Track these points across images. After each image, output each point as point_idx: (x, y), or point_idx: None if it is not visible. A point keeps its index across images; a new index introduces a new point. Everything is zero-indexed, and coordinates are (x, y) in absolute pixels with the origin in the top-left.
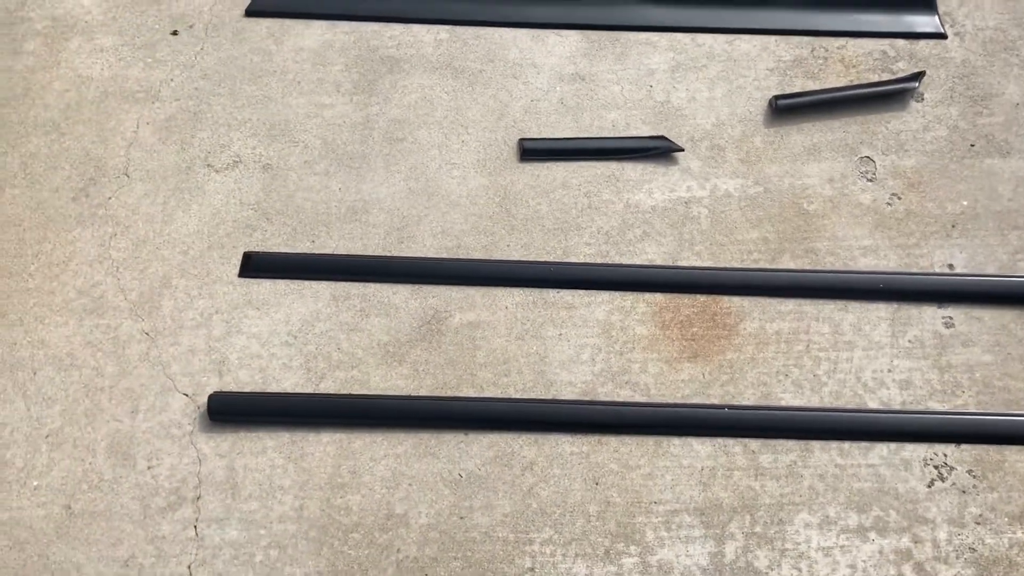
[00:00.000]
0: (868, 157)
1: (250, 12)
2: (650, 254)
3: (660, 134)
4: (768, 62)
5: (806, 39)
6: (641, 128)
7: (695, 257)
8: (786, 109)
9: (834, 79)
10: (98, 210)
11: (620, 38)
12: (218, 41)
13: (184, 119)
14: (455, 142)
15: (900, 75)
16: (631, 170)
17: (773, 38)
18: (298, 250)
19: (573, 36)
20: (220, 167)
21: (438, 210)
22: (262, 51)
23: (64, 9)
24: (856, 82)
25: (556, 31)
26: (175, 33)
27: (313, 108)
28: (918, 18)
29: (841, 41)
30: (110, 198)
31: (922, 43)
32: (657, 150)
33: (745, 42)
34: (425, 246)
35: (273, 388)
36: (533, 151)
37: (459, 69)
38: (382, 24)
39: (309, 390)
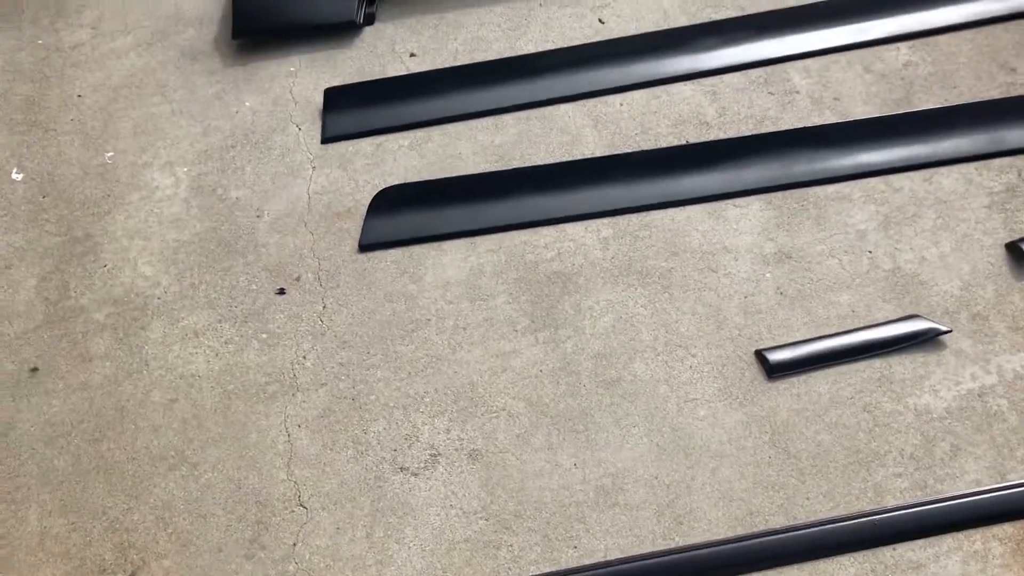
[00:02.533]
0: None
1: (364, 247)
2: (972, 473)
3: (912, 313)
4: (980, 197)
5: (1005, 161)
6: (882, 307)
7: (1022, 466)
8: None
9: None
10: (286, 566)
11: (807, 196)
12: (341, 293)
13: (344, 410)
14: (682, 370)
15: None
16: (899, 365)
17: (970, 166)
18: (561, 564)
19: (754, 204)
20: (417, 468)
21: (704, 468)
22: (401, 295)
23: (123, 286)
24: None
25: (731, 201)
26: (281, 292)
27: (495, 359)
28: None
29: None
30: (295, 544)
31: None
32: (922, 337)
33: (943, 176)
34: (711, 522)
35: None
36: (781, 366)
37: (643, 272)
38: (529, 231)
39: None
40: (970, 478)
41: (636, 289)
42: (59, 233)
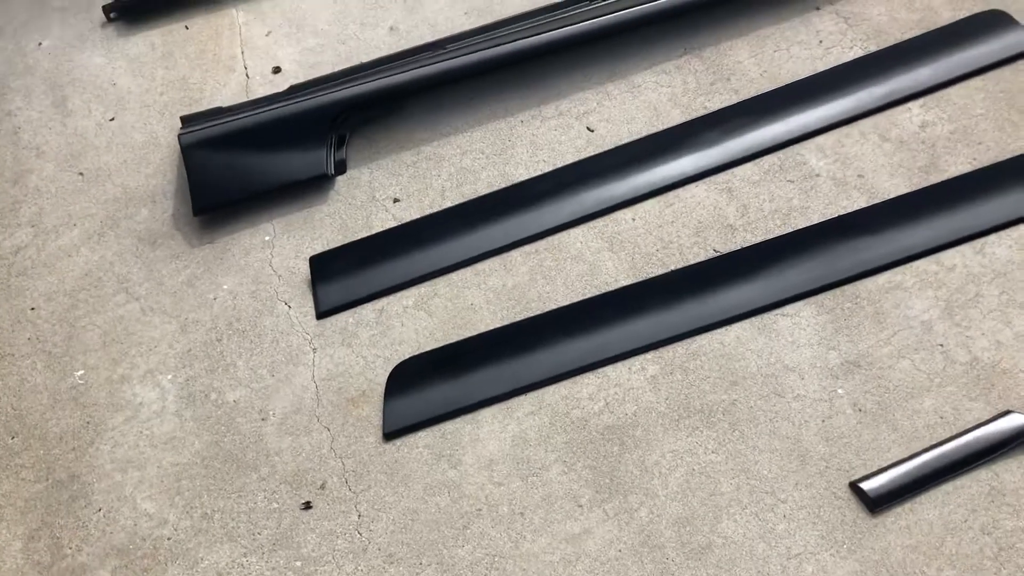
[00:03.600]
0: None
1: (389, 434)
2: None
3: (1006, 410)
4: None
5: None
6: (971, 407)
7: None
8: None
9: None
10: None
11: (858, 293)
12: (375, 495)
13: None
14: (775, 521)
15: None
16: (1006, 473)
17: (1021, 228)
18: None
19: (804, 311)
20: None
21: None
22: (443, 485)
23: (125, 531)
24: None
25: (779, 311)
26: (307, 506)
27: (566, 546)
28: None
29: None
30: None
31: None
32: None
33: (994, 245)
34: None
35: None
36: (882, 497)
37: (705, 410)
38: (567, 383)
39: None
40: None
41: (702, 432)
42: (39, 479)
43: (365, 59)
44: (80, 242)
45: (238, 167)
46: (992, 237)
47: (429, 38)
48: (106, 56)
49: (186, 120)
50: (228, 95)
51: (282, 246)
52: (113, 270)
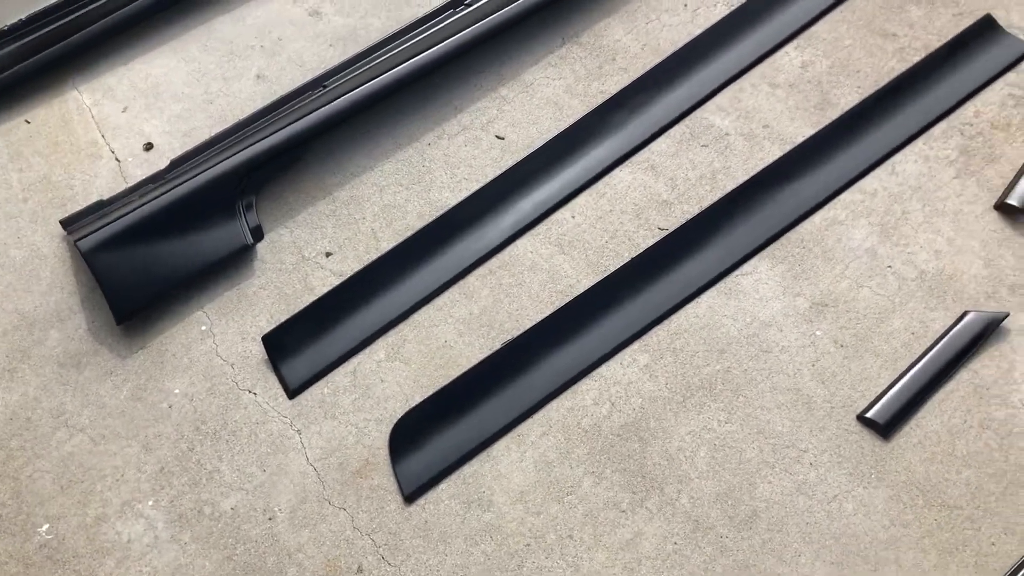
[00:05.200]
0: None
1: (410, 496)
2: None
3: (964, 311)
4: (944, 170)
5: (943, 126)
6: (934, 316)
7: None
8: None
9: None
10: None
11: (802, 237)
12: (417, 563)
13: None
14: (805, 471)
15: None
16: (983, 369)
17: (918, 143)
18: None
19: (761, 266)
20: None
21: (888, 564)
22: (483, 532)
23: None
24: None
25: (738, 272)
26: None
27: (624, 554)
28: None
29: None
30: None
31: None
32: (988, 332)
33: (902, 163)
34: None
35: None
36: (890, 422)
37: (706, 385)
38: (568, 395)
39: None
40: None
41: (710, 406)
42: None
43: (239, 115)
44: None
45: (151, 261)
46: (898, 156)
47: (301, 78)
48: None
49: (68, 223)
50: (103, 185)
51: (223, 332)
52: (41, 406)
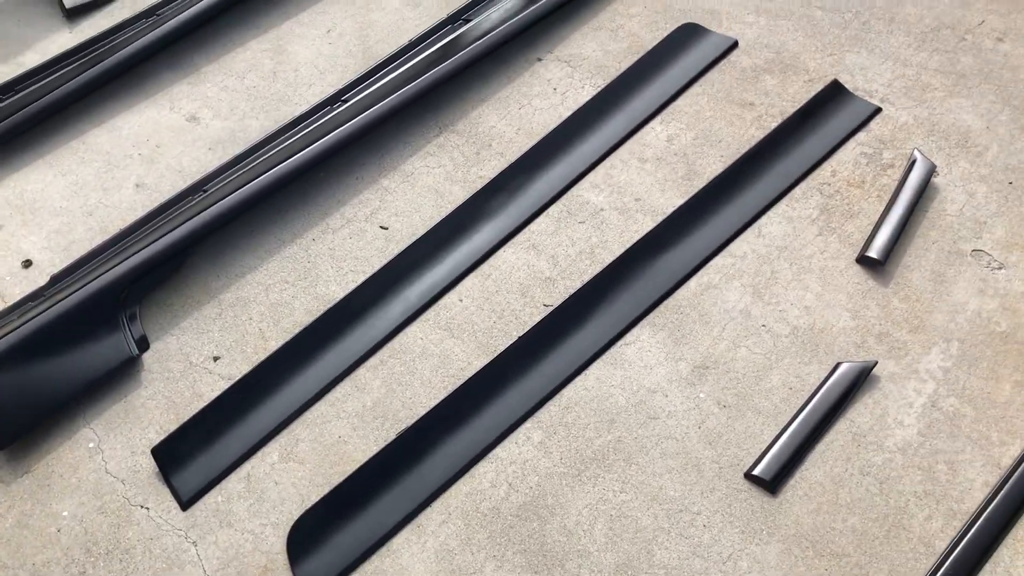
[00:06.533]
0: None
1: None
2: (978, 477)
3: (836, 362)
4: (807, 228)
5: (802, 187)
6: (809, 370)
7: (1005, 448)
8: None
9: None
10: None
11: (679, 303)
12: None
13: None
14: (699, 533)
15: None
16: (858, 416)
17: (780, 205)
18: None
19: (642, 334)
20: None
21: None
22: None
23: None
24: None
25: (621, 342)
26: None
27: None
28: None
29: None
30: None
31: None
32: (860, 381)
33: (767, 225)
34: None
35: None
36: (775, 476)
37: (597, 457)
38: (466, 480)
39: None
40: (979, 482)
41: (604, 477)
42: None
43: (120, 225)
44: None
45: (34, 382)
46: (763, 219)
47: (181, 184)
48: None
49: None
50: None
51: (112, 447)
52: None
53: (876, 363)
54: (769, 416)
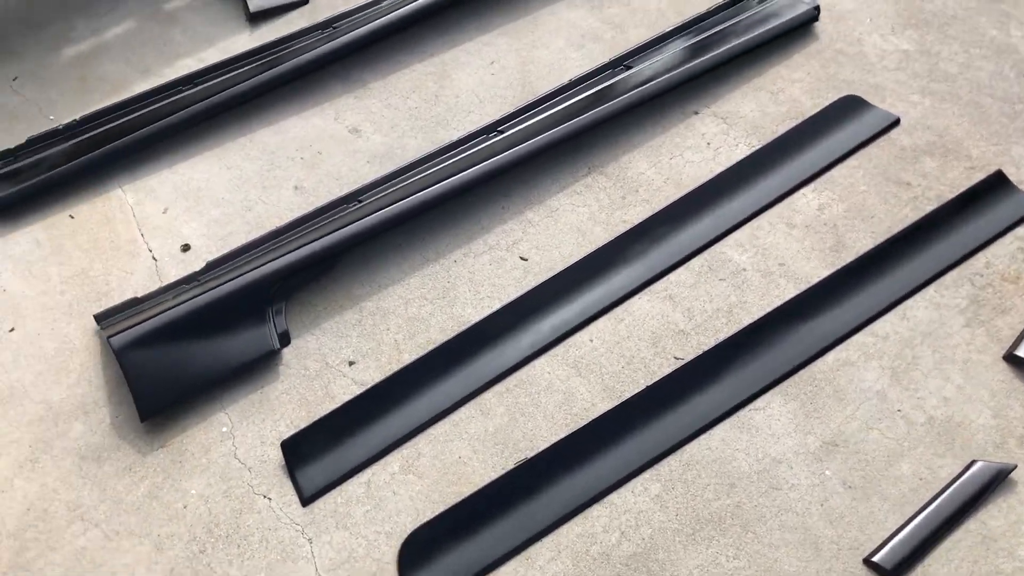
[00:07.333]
0: None
1: None
2: None
3: (971, 460)
4: (954, 317)
5: (954, 275)
6: (942, 463)
7: None
8: None
9: None
10: None
11: (814, 375)
12: None
13: None
14: None
15: None
16: (991, 520)
17: (929, 290)
18: None
19: (774, 402)
20: None
21: None
22: None
23: None
24: None
25: (750, 407)
26: None
27: None
28: None
29: None
30: None
31: None
32: (996, 483)
33: (913, 309)
34: None
35: None
36: (896, 567)
37: (714, 519)
38: (579, 520)
39: None
40: None
41: (718, 541)
42: None
43: (276, 222)
44: (11, 474)
45: (180, 361)
46: (909, 301)
47: (337, 192)
48: None
49: (101, 318)
50: (138, 283)
51: (243, 435)
52: (59, 497)
53: (1015, 467)
54: (895, 504)
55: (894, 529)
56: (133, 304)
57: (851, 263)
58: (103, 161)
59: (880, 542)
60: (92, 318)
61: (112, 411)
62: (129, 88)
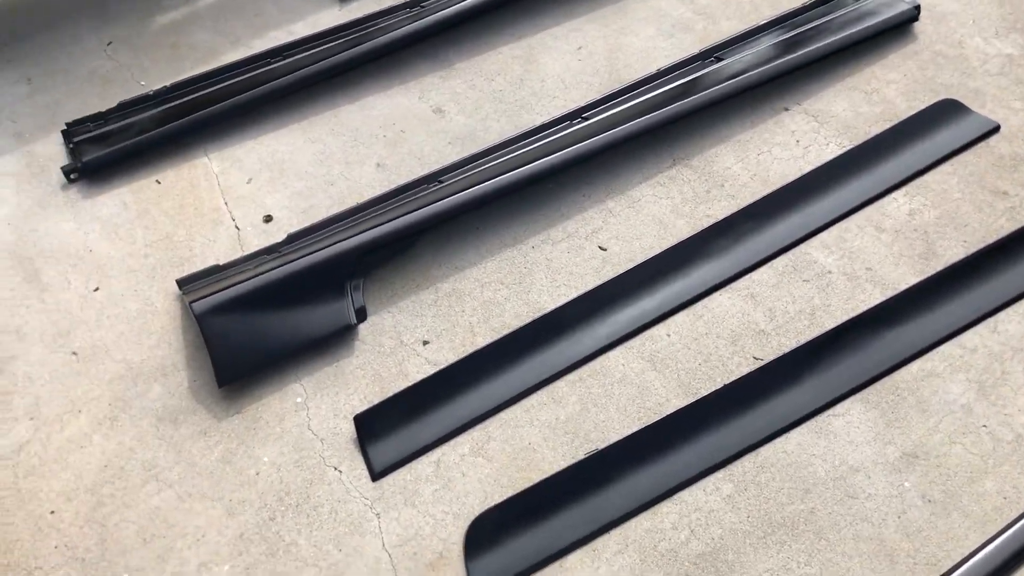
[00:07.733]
0: None
1: None
2: None
3: None
4: None
5: None
6: None
7: None
8: None
9: None
10: None
11: (896, 384)
12: None
13: None
14: None
15: None
16: None
17: (1020, 305)
18: None
19: (854, 409)
20: None
21: None
22: None
23: None
24: None
25: (829, 412)
26: None
27: None
28: None
29: None
30: None
31: None
32: None
33: (1004, 322)
34: None
35: None
36: None
37: (787, 523)
38: (648, 515)
39: None
40: None
41: (790, 546)
42: None
43: (357, 198)
44: (90, 430)
45: (260, 330)
46: (1002, 315)
47: (418, 171)
48: (75, 221)
49: (183, 283)
50: (220, 250)
51: (317, 406)
52: (136, 456)
53: None
54: (977, 521)
55: (974, 548)
56: (215, 271)
57: (941, 271)
58: (191, 129)
59: (958, 560)
60: (174, 282)
61: (190, 375)
62: (219, 57)
